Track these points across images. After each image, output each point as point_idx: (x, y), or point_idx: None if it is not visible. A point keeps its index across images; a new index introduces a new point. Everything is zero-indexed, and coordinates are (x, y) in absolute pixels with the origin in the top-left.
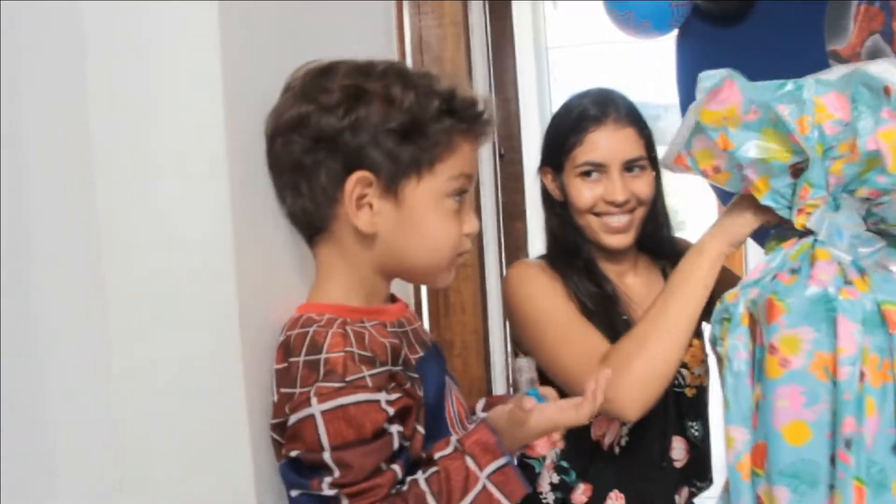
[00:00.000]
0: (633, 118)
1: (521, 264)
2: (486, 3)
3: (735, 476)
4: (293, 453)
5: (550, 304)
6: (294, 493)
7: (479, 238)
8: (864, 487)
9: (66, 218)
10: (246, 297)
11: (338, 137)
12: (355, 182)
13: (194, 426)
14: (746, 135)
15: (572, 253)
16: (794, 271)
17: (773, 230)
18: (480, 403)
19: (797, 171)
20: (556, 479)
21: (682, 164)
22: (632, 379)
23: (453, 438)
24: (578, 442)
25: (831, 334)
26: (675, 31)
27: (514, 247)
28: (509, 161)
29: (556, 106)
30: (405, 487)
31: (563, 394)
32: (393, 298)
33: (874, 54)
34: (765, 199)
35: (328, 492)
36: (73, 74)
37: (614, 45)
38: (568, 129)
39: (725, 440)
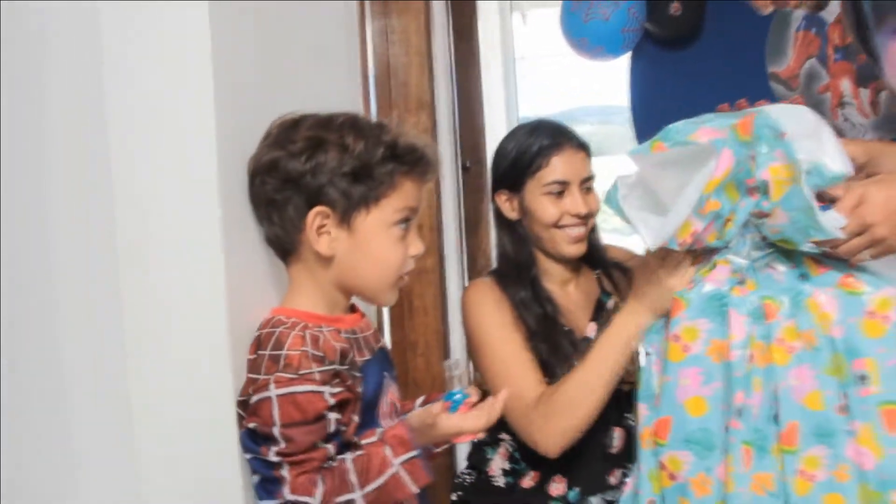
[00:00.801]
0: (583, 145)
1: (475, 285)
2: (451, 22)
3: (638, 445)
4: (251, 425)
5: (498, 334)
6: (248, 456)
7: (440, 247)
8: (751, 449)
9: (88, 237)
10: (233, 302)
11: (301, 179)
12: (315, 214)
13: (192, 402)
14: (723, 192)
15: (520, 269)
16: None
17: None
18: (419, 400)
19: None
20: (507, 466)
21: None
22: (555, 428)
23: (378, 430)
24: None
25: (724, 325)
26: (629, 53)
27: (478, 253)
28: (474, 173)
29: (522, 116)
30: (335, 463)
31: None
32: (353, 309)
33: (810, 77)
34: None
35: (273, 458)
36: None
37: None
38: (533, 154)
39: (635, 414)
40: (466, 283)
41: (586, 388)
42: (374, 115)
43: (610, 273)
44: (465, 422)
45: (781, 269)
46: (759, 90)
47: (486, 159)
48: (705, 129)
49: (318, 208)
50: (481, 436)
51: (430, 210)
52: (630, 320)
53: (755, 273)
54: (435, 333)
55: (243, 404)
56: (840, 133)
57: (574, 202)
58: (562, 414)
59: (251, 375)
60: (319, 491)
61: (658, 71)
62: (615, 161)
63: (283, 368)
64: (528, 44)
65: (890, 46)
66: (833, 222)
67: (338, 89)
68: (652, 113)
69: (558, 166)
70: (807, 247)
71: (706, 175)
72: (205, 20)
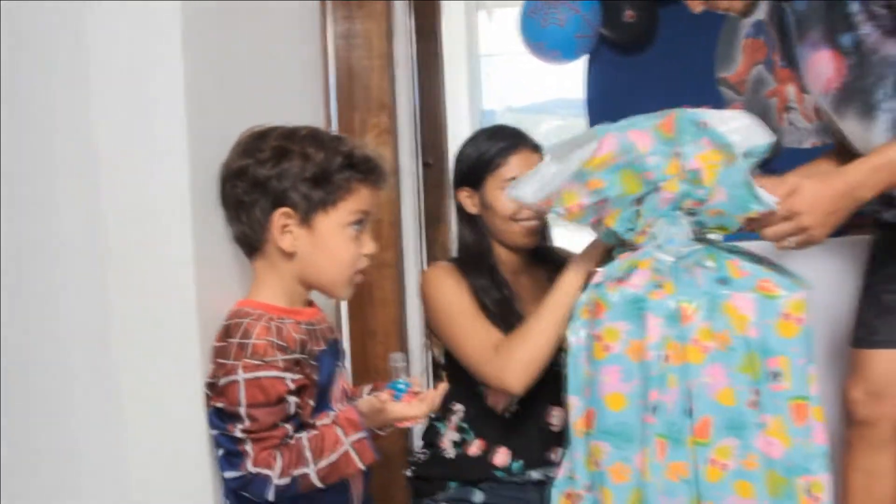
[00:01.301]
0: (537, 147)
1: (435, 267)
2: (414, 23)
3: (571, 433)
4: (218, 405)
5: (457, 301)
6: (214, 432)
7: (399, 242)
8: (665, 441)
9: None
10: (202, 294)
11: (268, 183)
12: (280, 215)
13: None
14: (611, 175)
15: (480, 258)
16: (618, 280)
17: (616, 249)
18: (367, 387)
19: (640, 201)
20: (456, 437)
21: (546, 205)
22: (517, 362)
23: (331, 413)
24: (477, 408)
25: (642, 327)
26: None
27: (439, 247)
28: (436, 169)
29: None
30: (292, 441)
31: (465, 372)
32: (310, 303)
33: (758, 82)
34: (616, 228)
35: (238, 434)
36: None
37: None
38: (492, 154)
39: (567, 406)
40: None
41: (543, 325)
42: (334, 117)
43: (558, 269)
44: (409, 409)
45: (705, 267)
46: (709, 94)
47: (446, 156)
48: (632, 132)
49: (282, 209)
50: (424, 419)
51: (391, 206)
52: (573, 273)
53: (676, 276)
54: (393, 323)
55: (211, 386)
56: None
57: None
58: (522, 348)
59: (220, 360)
60: (278, 464)
61: (613, 74)
62: None
63: (250, 355)
64: (496, 40)
65: (810, 59)
66: (769, 196)
67: (300, 92)
68: (607, 115)
69: (515, 165)
70: (740, 220)
71: (588, 152)
72: (177, 27)
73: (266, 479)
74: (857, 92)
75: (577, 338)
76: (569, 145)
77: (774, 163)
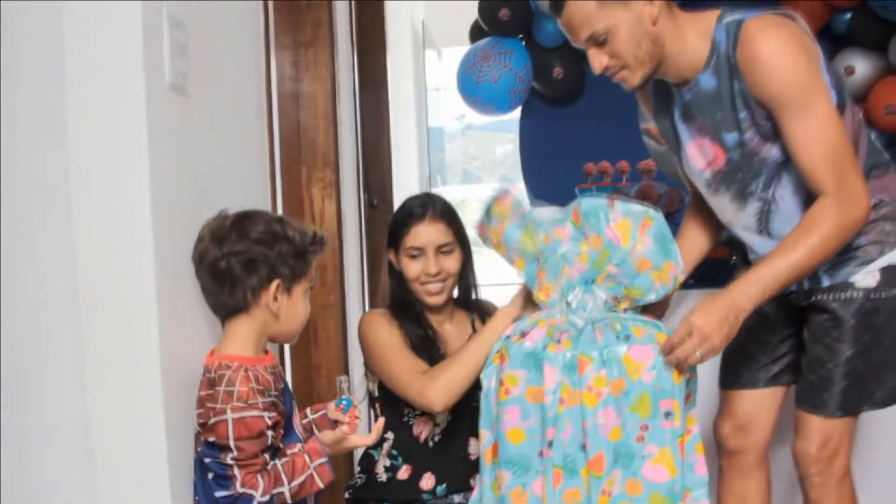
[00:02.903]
0: (445, 214)
1: (371, 313)
2: (357, 77)
3: (482, 461)
4: (210, 439)
5: (388, 339)
6: (207, 460)
7: (342, 284)
8: (560, 472)
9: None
10: (164, 348)
11: (265, 260)
12: (275, 286)
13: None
14: (513, 229)
15: (407, 307)
16: (522, 334)
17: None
18: (309, 409)
19: (538, 261)
20: (388, 463)
21: (483, 232)
22: (439, 382)
23: (299, 445)
24: (405, 437)
25: (539, 374)
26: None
27: (380, 288)
28: (381, 210)
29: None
30: (270, 467)
31: (396, 405)
32: (266, 350)
33: None
34: (523, 276)
35: (228, 462)
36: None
37: None
38: (401, 222)
39: (480, 438)
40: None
41: (464, 358)
42: (278, 171)
43: (482, 318)
44: (360, 440)
45: (611, 329)
46: (634, 145)
47: (392, 197)
48: (559, 230)
49: (276, 281)
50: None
51: (334, 254)
52: (500, 317)
53: (578, 333)
54: (336, 359)
55: (202, 425)
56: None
57: (427, 264)
58: (445, 372)
59: (209, 405)
60: (261, 486)
61: (545, 126)
62: None
63: (236, 400)
64: (444, 75)
65: (693, 140)
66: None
67: (249, 149)
68: (538, 164)
69: (416, 235)
70: (656, 280)
71: (490, 199)
72: (142, 114)
73: (251, 498)
74: (734, 181)
75: (488, 381)
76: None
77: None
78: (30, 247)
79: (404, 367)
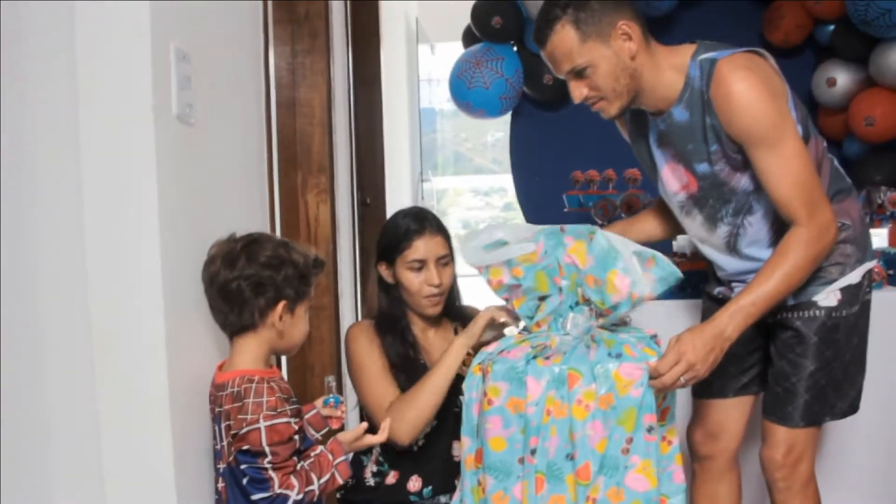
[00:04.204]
0: (441, 228)
1: (357, 325)
2: (352, 77)
3: (463, 467)
4: (244, 447)
5: (367, 360)
6: (244, 466)
7: (335, 289)
8: (543, 478)
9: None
10: (172, 366)
11: (272, 283)
12: (282, 307)
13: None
14: (531, 271)
15: (394, 321)
16: (505, 351)
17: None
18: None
19: (542, 298)
20: (375, 469)
21: (479, 269)
22: (406, 425)
23: (320, 447)
24: (391, 445)
25: (520, 387)
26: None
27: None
28: (374, 207)
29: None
30: (299, 468)
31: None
32: (270, 365)
33: None
34: (519, 310)
35: (266, 465)
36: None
37: None
38: (401, 237)
39: (461, 444)
40: (359, 318)
41: (429, 389)
42: (276, 178)
43: (464, 325)
44: (374, 439)
45: (605, 346)
46: (621, 153)
47: (385, 195)
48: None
49: (283, 302)
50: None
51: (328, 256)
52: (458, 346)
53: (573, 350)
54: (329, 359)
55: (234, 436)
56: None
57: (430, 276)
58: (409, 407)
59: (239, 416)
60: (296, 485)
61: (534, 129)
62: None
63: (266, 409)
64: (440, 67)
65: (668, 164)
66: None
67: (249, 165)
68: (528, 160)
69: (418, 248)
70: (611, 293)
71: (523, 249)
72: (151, 144)
73: (286, 498)
74: (705, 206)
75: (469, 391)
76: (513, 234)
77: None
78: (47, 265)
79: (376, 395)
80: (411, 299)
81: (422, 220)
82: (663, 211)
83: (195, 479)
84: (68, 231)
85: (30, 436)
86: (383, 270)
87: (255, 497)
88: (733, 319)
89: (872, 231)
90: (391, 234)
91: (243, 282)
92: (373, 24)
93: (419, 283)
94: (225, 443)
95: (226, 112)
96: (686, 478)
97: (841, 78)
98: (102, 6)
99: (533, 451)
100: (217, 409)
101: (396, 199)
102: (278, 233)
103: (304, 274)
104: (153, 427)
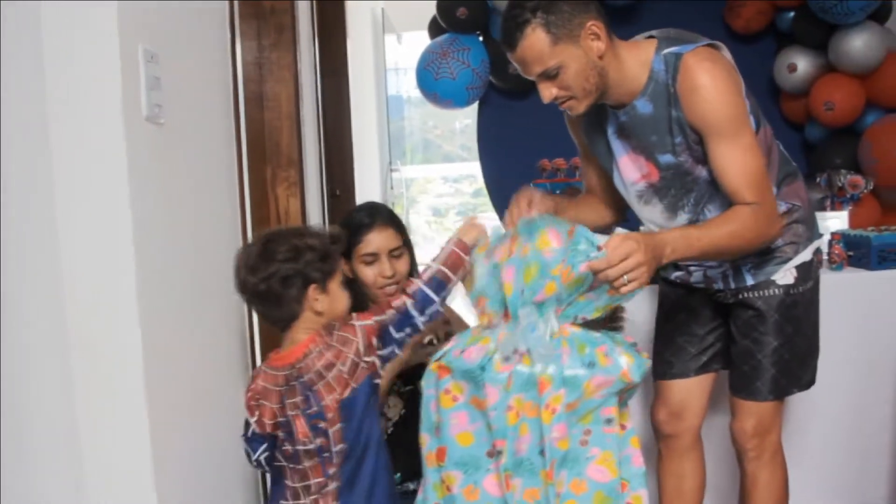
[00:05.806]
0: (392, 220)
1: None
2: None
3: (424, 464)
4: (379, 337)
5: None
6: (399, 334)
7: None
8: (511, 474)
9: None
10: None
11: (296, 274)
12: (313, 290)
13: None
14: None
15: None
16: (461, 349)
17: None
18: None
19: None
20: None
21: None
22: None
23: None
24: None
25: (480, 389)
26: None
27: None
28: (343, 199)
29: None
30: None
31: None
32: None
33: None
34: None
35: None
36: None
37: None
38: (352, 232)
39: (420, 441)
40: None
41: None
42: (245, 171)
43: None
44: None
45: (578, 352)
46: None
47: (353, 185)
48: (551, 231)
49: (313, 286)
50: None
51: None
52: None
53: (545, 353)
54: None
55: (355, 364)
56: None
57: (383, 268)
58: None
59: (345, 348)
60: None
61: (502, 118)
62: None
63: (358, 320)
64: (404, 56)
65: (627, 154)
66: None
67: (219, 161)
68: (495, 148)
69: (369, 242)
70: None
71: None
72: (122, 145)
73: (448, 281)
74: (666, 196)
75: (427, 389)
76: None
77: None
78: (20, 268)
79: None
80: (370, 292)
81: (373, 214)
82: (599, 202)
83: (176, 480)
84: (41, 233)
85: (8, 439)
86: (343, 266)
87: (429, 311)
88: (677, 243)
89: (833, 213)
90: (346, 230)
91: (270, 281)
92: (339, 16)
93: (374, 276)
94: (337, 385)
95: (195, 110)
96: (651, 456)
97: (801, 64)
98: (69, 8)
99: (499, 453)
100: (297, 381)
101: (366, 189)
102: (249, 228)
103: (325, 253)
104: (132, 431)
